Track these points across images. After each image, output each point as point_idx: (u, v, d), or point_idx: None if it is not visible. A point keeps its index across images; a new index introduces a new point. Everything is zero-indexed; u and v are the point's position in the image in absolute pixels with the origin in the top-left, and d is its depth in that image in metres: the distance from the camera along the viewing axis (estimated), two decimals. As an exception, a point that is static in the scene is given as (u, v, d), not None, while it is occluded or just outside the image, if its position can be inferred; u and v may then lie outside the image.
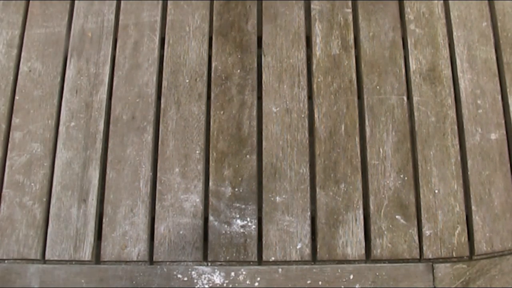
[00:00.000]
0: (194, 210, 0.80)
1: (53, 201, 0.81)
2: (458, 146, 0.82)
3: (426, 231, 0.78)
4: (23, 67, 0.88)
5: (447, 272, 0.76)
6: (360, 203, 0.80)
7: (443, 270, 0.76)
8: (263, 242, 0.79)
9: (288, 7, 0.90)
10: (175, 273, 0.77)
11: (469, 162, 0.81)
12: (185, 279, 0.77)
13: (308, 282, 0.75)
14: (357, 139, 0.83)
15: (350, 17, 0.90)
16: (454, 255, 0.78)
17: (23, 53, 0.89)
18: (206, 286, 0.74)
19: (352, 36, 0.88)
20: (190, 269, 0.77)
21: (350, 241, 0.78)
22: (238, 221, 0.79)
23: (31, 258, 0.78)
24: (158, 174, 0.82)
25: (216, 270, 0.77)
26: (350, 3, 0.91)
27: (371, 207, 0.80)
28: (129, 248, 0.78)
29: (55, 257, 0.78)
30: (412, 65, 0.87)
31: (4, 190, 0.81)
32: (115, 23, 0.90)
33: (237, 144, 0.83)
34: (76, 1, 0.92)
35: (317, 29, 0.89)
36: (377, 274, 0.76)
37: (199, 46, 0.88)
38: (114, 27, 0.90)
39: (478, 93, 0.85)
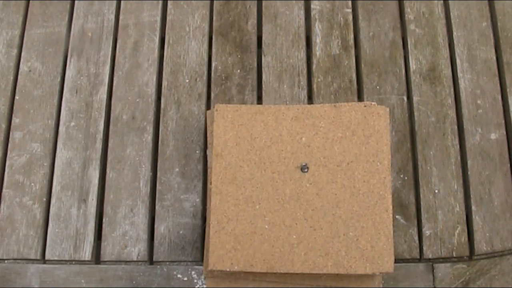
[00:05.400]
0: (194, 210, 0.80)
1: (53, 201, 0.81)
2: (458, 146, 0.82)
3: (426, 231, 0.78)
4: (23, 67, 0.88)
5: (447, 272, 0.76)
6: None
7: (443, 270, 0.76)
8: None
9: (288, 7, 0.90)
10: (175, 273, 0.77)
11: (469, 162, 0.81)
12: (185, 279, 0.77)
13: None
14: (357, 139, 0.83)
15: (350, 17, 0.90)
16: (454, 255, 0.78)
17: (23, 53, 0.89)
18: (206, 286, 0.74)
19: (352, 36, 0.89)
20: (190, 269, 0.77)
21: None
22: (238, 221, 0.79)
23: (31, 258, 0.78)
24: (158, 174, 0.82)
25: (216, 270, 0.76)
26: (350, 3, 0.91)
27: (371, 207, 0.80)
28: (129, 248, 0.78)
29: (55, 257, 0.78)
30: (412, 65, 0.87)
31: (4, 190, 0.81)
32: (115, 23, 0.90)
33: (237, 144, 0.83)
34: (76, 1, 0.92)
35: (317, 29, 0.89)
36: (377, 274, 0.76)
37: (199, 46, 0.88)
38: (114, 27, 0.90)
39: (478, 93, 0.85)
